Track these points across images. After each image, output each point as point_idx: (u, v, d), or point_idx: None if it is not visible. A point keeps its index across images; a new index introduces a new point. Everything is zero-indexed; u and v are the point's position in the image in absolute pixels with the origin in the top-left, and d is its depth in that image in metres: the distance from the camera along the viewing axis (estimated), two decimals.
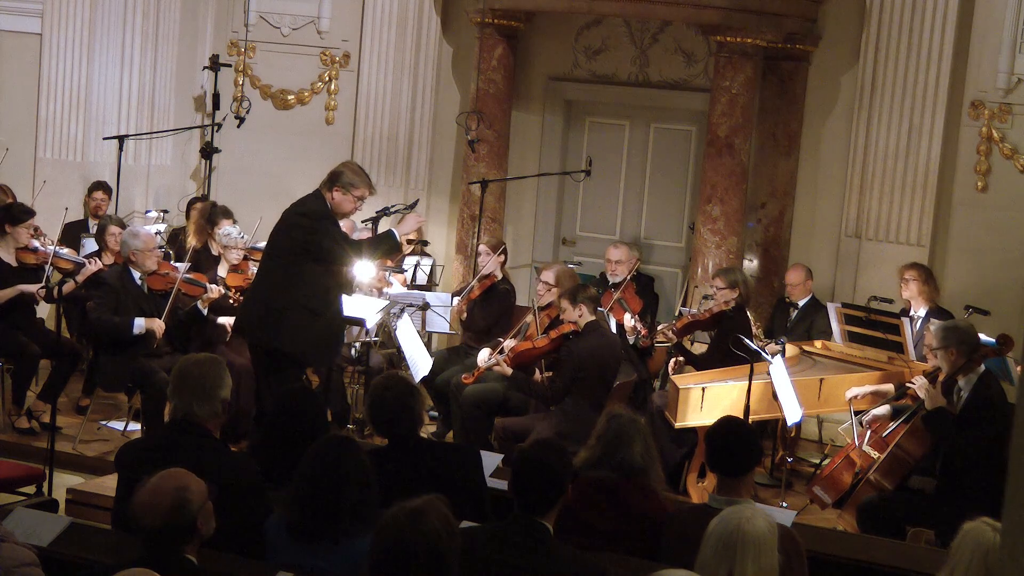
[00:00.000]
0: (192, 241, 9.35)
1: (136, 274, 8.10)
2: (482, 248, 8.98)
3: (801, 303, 9.07)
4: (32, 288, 8.26)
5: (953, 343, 6.58)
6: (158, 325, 7.99)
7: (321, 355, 7.21)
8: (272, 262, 7.05)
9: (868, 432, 6.96)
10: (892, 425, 6.96)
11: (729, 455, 4.67)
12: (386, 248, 7.25)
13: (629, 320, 8.55)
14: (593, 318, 7.68)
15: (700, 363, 8.36)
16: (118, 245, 8.97)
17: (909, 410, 6.92)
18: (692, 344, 8.78)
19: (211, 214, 9.23)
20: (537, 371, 7.99)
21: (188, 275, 8.28)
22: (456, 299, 8.86)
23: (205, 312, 8.27)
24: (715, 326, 8.31)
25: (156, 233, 9.25)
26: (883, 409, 7.12)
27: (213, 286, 8.28)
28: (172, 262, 8.70)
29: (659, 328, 8.51)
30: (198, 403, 4.64)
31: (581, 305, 7.61)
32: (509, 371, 7.77)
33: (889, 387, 7.56)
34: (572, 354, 7.56)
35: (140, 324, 7.95)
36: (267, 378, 6.98)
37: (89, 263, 8.54)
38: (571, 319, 7.64)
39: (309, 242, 6.89)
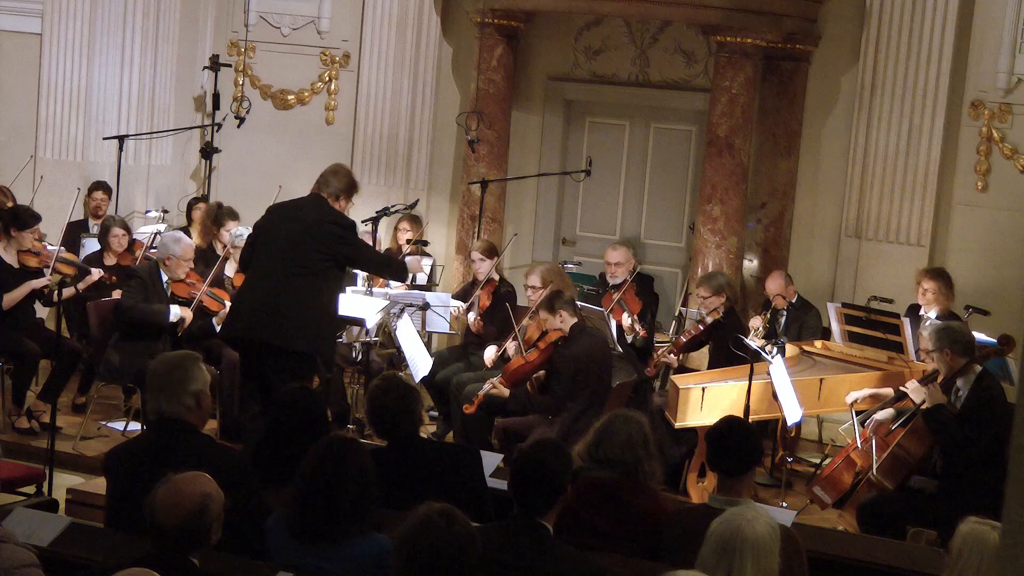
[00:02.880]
0: (196, 241, 9.35)
1: (164, 277, 8.17)
2: (475, 255, 8.93)
3: (791, 302, 9.01)
4: (40, 283, 8.28)
5: (947, 344, 6.57)
6: (188, 314, 8.17)
7: (332, 351, 7.50)
8: (295, 268, 6.95)
9: (872, 438, 6.94)
10: (893, 426, 6.96)
11: (729, 454, 4.68)
12: (400, 276, 7.99)
13: (627, 319, 8.54)
14: (575, 320, 7.68)
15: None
16: (121, 247, 8.99)
17: (910, 412, 6.90)
18: (685, 359, 8.74)
19: (217, 215, 9.23)
20: (529, 384, 7.93)
21: (211, 290, 8.29)
22: (471, 315, 8.79)
23: (218, 329, 8.27)
24: (711, 336, 8.26)
25: (156, 234, 9.26)
26: (886, 413, 7.10)
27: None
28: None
29: (658, 353, 8.41)
30: (165, 399, 4.67)
31: (560, 311, 7.62)
32: (507, 392, 7.75)
33: (888, 391, 7.55)
34: (567, 359, 7.56)
35: (176, 312, 8.13)
36: (268, 383, 6.92)
37: (93, 272, 8.56)
38: (555, 327, 7.64)
39: (345, 254, 7.05)
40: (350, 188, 7.13)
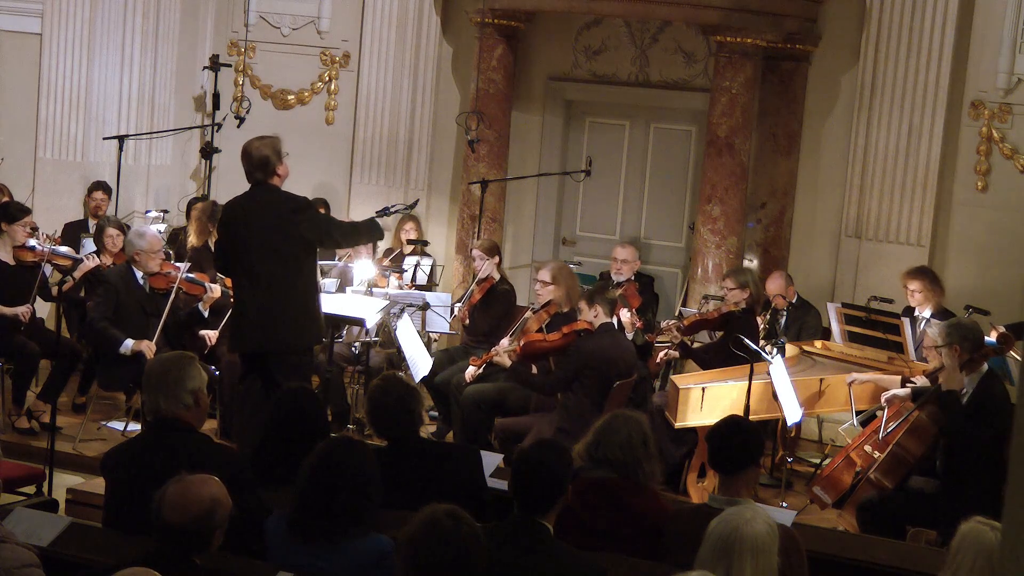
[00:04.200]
0: (193, 240, 9.36)
1: (139, 273, 8.11)
2: (476, 252, 8.95)
3: (791, 302, 9.02)
4: (18, 311, 8.20)
5: (957, 340, 6.57)
6: (147, 347, 7.88)
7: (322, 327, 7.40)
8: (280, 269, 6.90)
9: (885, 415, 6.92)
10: (892, 425, 6.96)
11: (725, 452, 4.68)
12: (376, 236, 7.49)
13: (626, 314, 8.53)
14: (609, 320, 7.67)
15: (704, 362, 8.34)
16: (116, 247, 8.99)
17: (928, 391, 6.86)
18: (692, 343, 8.77)
19: (213, 212, 9.23)
20: (534, 368, 7.99)
21: (190, 275, 8.27)
22: (458, 305, 8.84)
23: (206, 313, 8.27)
24: (723, 327, 8.27)
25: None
26: (904, 390, 7.07)
27: (214, 286, 8.26)
28: (171, 262, 8.69)
29: (665, 324, 8.47)
30: (163, 399, 4.67)
31: (597, 306, 7.59)
32: (508, 362, 7.80)
33: (893, 378, 7.54)
34: (580, 350, 7.55)
35: (128, 345, 7.90)
36: (272, 384, 6.91)
37: (86, 259, 8.56)
38: (587, 319, 7.64)
39: (315, 235, 6.98)
40: (276, 153, 6.96)
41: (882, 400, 7.09)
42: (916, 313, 8.42)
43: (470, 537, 3.57)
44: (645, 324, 8.64)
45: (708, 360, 8.31)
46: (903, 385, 7.26)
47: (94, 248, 9.16)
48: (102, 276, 8.27)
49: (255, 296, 6.94)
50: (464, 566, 3.55)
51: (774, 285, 8.93)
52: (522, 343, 7.81)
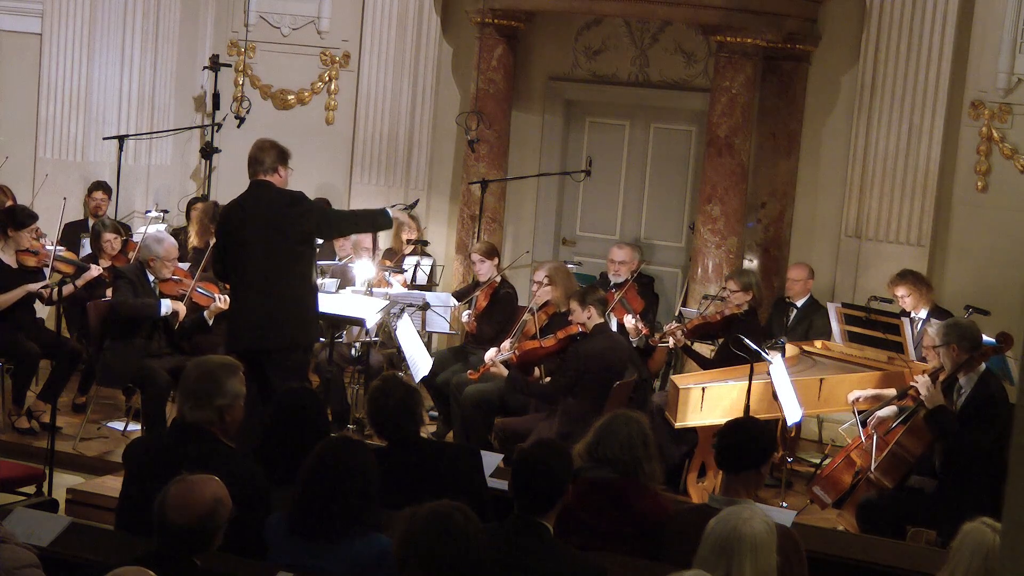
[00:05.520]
0: (194, 241, 9.35)
1: (151, 277, 8.11)
2: (475, 256, 8.93)
3: (799, 303, 9.05)
4: (36, 287, 8.26)
5: (954, 339, 6.57)
6: (182, 308, 8.06)
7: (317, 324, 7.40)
8: (277, 267, 6.91)
9: (873, 435, 6.94)
10: (892, 425, 6.96)
11: (734, 449, 4.67)
12: (381, 222, 7.43)
13: (630, 320, 8.53)
14: (602, 320, 7.67)
15: (707, 365, 8.34)
16: (114, 250, 8.98)
17: (911, 409, 6.90)
18: (693, 343, 8.77)
19: (214, 214, 9.22)
20: (536, 370, 7.99)
21: (200, 285, 8.25)
22: (466, 314, 8.80)
23: (210, 322, 8.25)
24: (726, 329, 8.26)
25: None
26: (889, 410, 7.10)
27: (223, 296, 8.23)
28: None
29: (668, 327, 8.46)
30: (190, 408, 4.63)
31: (590, 307, 7.58)
32: (505, 372, 7.78)
33: (891, 391, 7.54)
34: (579, 355, 7.54)
35: (167, 305, 8.01)
36: (269, 384, 6.91)
37: (92, 268, 8.56)
38: (580, 321, 7.62)
39: (314, 225, 6.99)
40: (282, 155, 7.04)
41: (869, 427, 7.08)
42: (912, 315, 8.43)
43: (478, 532, 3.56)
44: (650, 328, 8.63)
45: (713, 365, 8.30)
46: (899, 393, 7.26)
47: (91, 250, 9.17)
48: (119, 271, 8.28)
49: (252, 294, 6.96)
50: (472, 560, 3.53)
51: (796, 272, 9.02)
52: (518, 353, 7.79)
